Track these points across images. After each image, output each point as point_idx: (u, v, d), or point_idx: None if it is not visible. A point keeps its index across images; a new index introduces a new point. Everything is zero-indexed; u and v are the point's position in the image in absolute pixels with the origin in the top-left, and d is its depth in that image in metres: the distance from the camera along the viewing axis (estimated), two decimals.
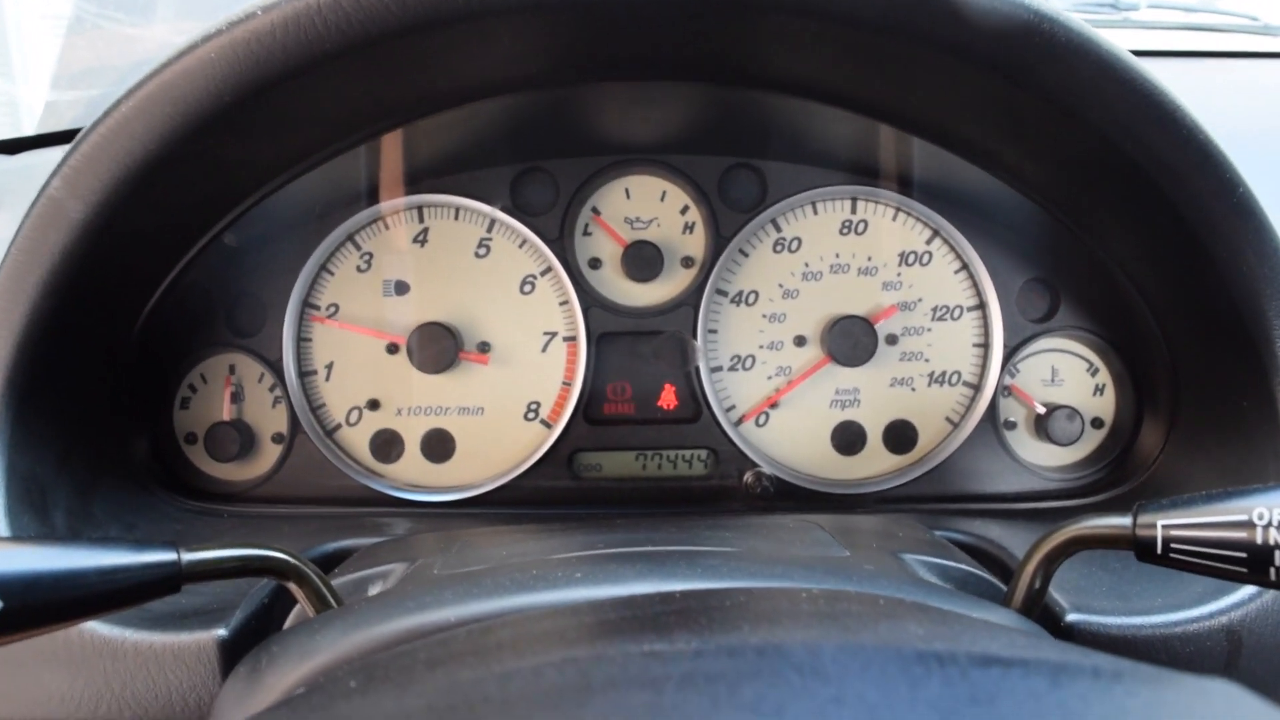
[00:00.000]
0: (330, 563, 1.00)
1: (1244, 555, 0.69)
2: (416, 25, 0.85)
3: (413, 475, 1.25)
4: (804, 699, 0.45)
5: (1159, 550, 0.72)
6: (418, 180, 1.23)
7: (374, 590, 0.87)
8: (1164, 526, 0.72)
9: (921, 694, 0.46)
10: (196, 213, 1.05)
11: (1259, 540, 0.68)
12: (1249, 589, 0.90)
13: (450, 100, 1.01)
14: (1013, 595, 0.79)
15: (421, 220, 1.24)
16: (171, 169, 0.93)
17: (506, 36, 0.92)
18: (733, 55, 0.96)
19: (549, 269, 1.23)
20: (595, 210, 1.24)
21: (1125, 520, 0.73)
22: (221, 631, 0.85)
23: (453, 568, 0.84)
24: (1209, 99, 1.40)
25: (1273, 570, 0.68)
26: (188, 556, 0.75)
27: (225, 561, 0.78)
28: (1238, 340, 1.00)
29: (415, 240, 1.24)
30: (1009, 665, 0.52)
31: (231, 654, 0.83)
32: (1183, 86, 1.24)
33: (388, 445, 1.25)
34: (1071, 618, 0.88)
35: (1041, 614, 0.91)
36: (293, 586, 0.79)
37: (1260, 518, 0.68)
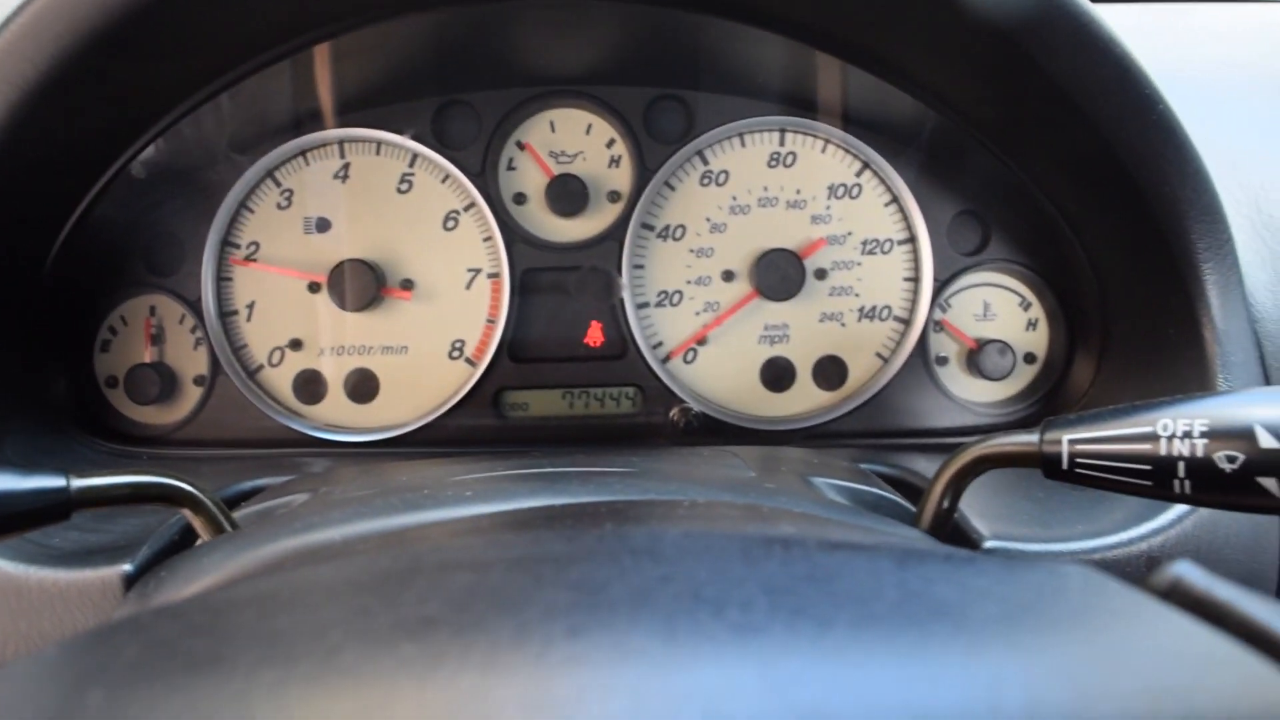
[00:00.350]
0: (246, 499, 0.99)
1: (1148, 468, 0.67)
2: None
3: (336, 416, 1.23)
4: (630, 577, 0.44)
5: (1065, 465, 0.71)
6: (338, 114, 1.20)
7: None
8: (1069, 441, 0.71)
9: (755, 572, 0.45)
10: (99, 141, 1.02)
11: (1162, 452, 0.66)
12: (1168, 515, 0.90)
13: (364, 11, 0.98)
14: (921, 515, 0.78)
15: (342, 156, 1.22)
16: (67, 92, 0.90)
17: None
18: None
19: (472, 204, 1.21)
20: (520, 144, 1.22)
21: (1033, 437, 0.72)
22: (127, 566, 0.84)
23: (350, 493, 0.82)
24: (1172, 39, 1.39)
25: (1176, 483, 0.66)
26: (77, 483, 0.74)
27: (117, 488, 0.76)
28: (1163, 266, 0.99)
29: (336, 176, 1.22)
30: (858, 549, 0.51)
31: None
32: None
33: (311, 386, 1.23)
34: (989, 544, 0.87)
35: (960, 541, 0.90)
36: (188, 514, 0.78)
37: (1164, 429, 0.67)
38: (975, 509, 0.93)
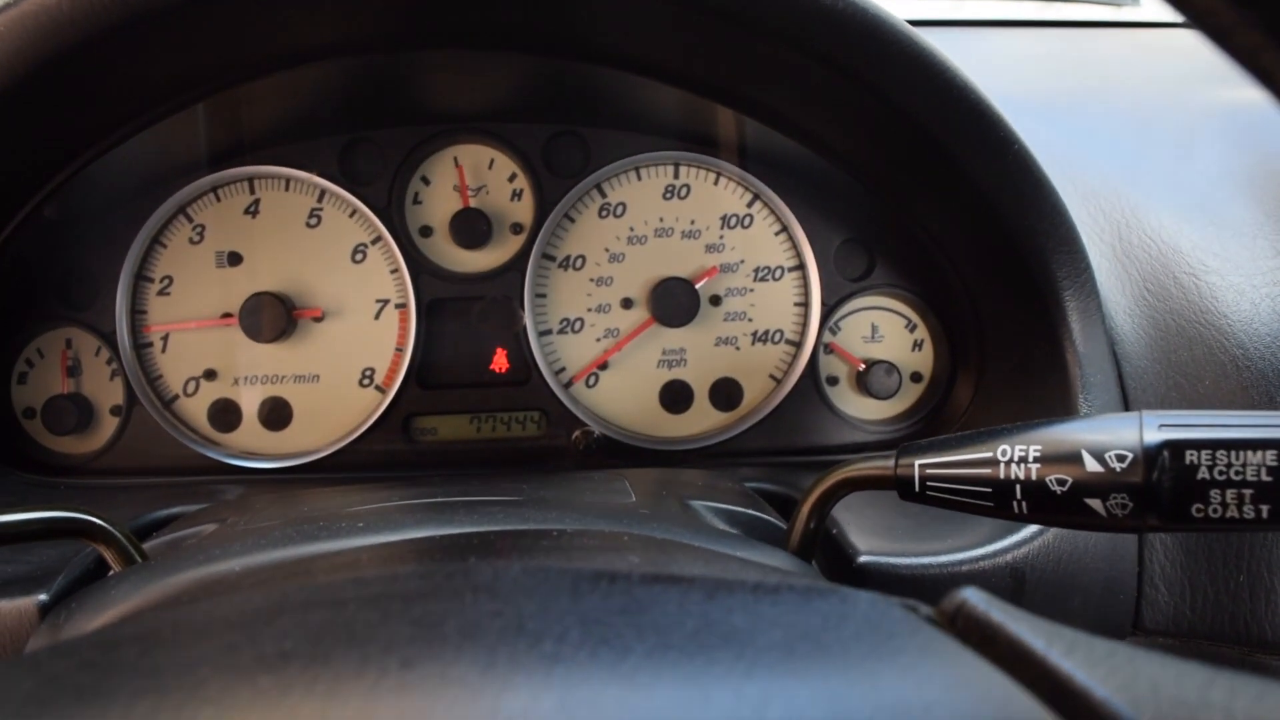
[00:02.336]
0: (160, 528, 1.02)
1: (989, 490, 0.74)
2: None
3: (251, 443, 1.27)
4: (466, 613, 0.49)
5: (917, 488, 0.77)
6: (248, 151, 1.24)
7: None
8: (920, 465, 0.77)
9: (577, 606, 0.50)
10: (9, 185, 1.05)
11: (1001, 475, 0.73)
12: (1030, 529, 0.96)
13: (270, 66, 1.02)
14: (789, 537, 0.83)
15: (253, 191, 1.25)
16: None
17: (331, 2, 0.94)
18: (558, 28, 0.99)
19: (379, 238, 1.25)
20: (425, 179, 1.27)
21: (889, 461, 0.78)
22: (43, 596, 0.87)
23: (252, 524, 0.86)
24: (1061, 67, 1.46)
25: (1014, 503, 0.73)
26: None
27: (29, 524, 0.79)
28: (1028, 294, 1.06)
29: (247, 211, 1.25)
30: (674, 582, 0.56)
31: None
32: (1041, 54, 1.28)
33: (225, 414, 1.27)
34: (863, 559, 0.93)
35: (837, 557, 0.96)
36: (100, 547, 0.81)
37: (1003, 454, 0.73)
38: (854, 525, 1.00)
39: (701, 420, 1.29)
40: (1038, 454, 0.72)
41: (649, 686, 0.41)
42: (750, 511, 0.93)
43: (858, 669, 0.44)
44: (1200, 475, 0.69)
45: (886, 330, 1.30)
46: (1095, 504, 0.71)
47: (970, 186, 1.02)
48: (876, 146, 1.08)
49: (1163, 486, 0.69)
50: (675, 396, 1.28)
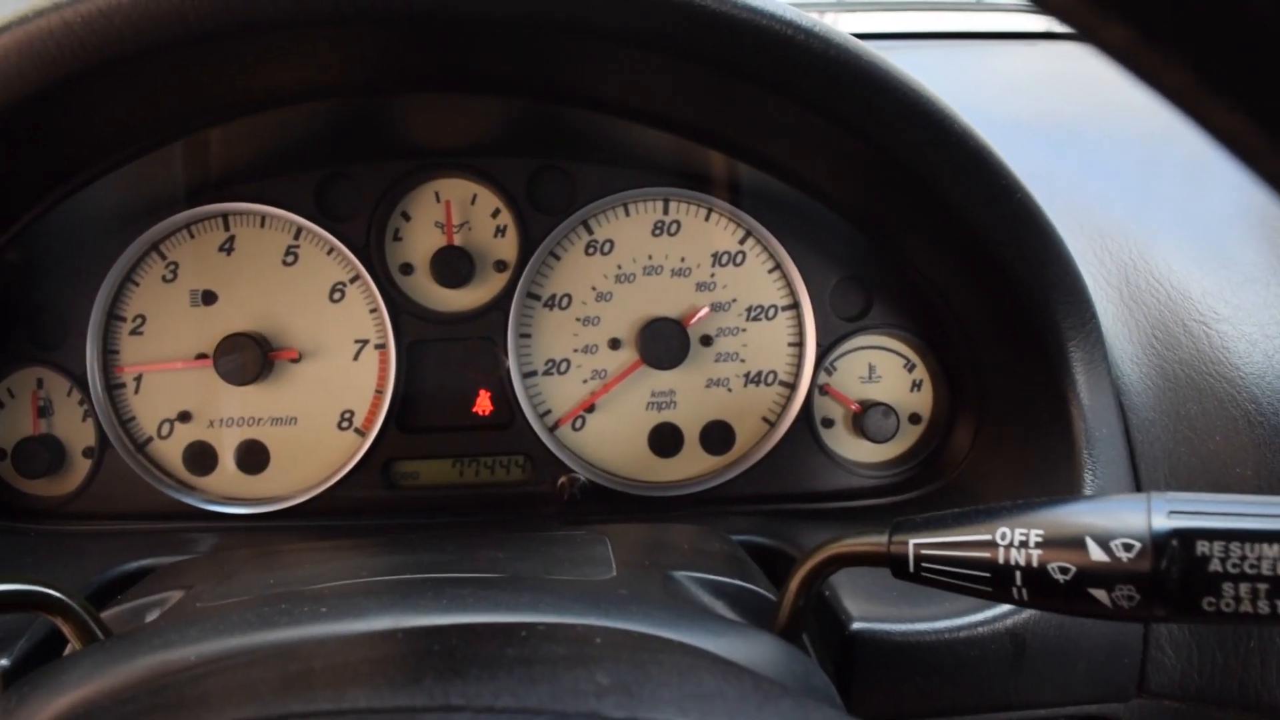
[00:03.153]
0: (131, 582, 0.99)
1: (988, 574, 0.69)
2: (214, 32, 0.82)
3: (227, 488, 1.23)
4: None
5: (911, 568, 0.73)
6: (222, 187, 1.20)
7: (148, 618, 0.87)
8: (915, 545, 0.73)
9: None
10: None
11: (1000, 560, 0.68)
12: None
13: (244, 108, 0.98)
14: (777, 617, 0.79)
15: (227, 228, 1.21)
16: None
17: (308, 47, 0.90)
18: (542, 76, 0.95)
19: (358, 276, 1.21)
20: (405, 215, 1.22)
21: (882, 538, 0.74)
22: (4, 661, 0.84)
23: (215, 599, 0.83)
24: (986, 84, 1.41)
25: (1014, 590, 0.69)
26: None
27: None
28: (1030, 341, 1.01)
29: (221, 249, 1.21)
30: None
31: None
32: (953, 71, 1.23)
33: (201, 458, 1.23)
34: (856, 626, 0.89)
35: (828, 622, 0.92)
36: (59, 621, 0.78)
37: (1003, 538, 0.69)
38: (847, 588, 0.96)
39: (692, 464, 1.25)
40: (1039, 539, 0.68)
41: None
42: (738, 583, 0.89)
43: None
44: (1212, 567, 0.64)
45: (884, 370, 1.25)
46: (1100, 594, 0.66)
47: (970, 234, 0.98)
48: (870, 191, 1.03)
49: (1171, 578, 0.64)
50: (665, 440, 1.24)
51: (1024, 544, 0.68)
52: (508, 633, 0.68)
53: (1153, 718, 1.00)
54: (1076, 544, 0.66)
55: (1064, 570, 0.67)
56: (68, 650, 0.84)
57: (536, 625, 0.70)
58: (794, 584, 0.78)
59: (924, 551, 0.72)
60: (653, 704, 0.57)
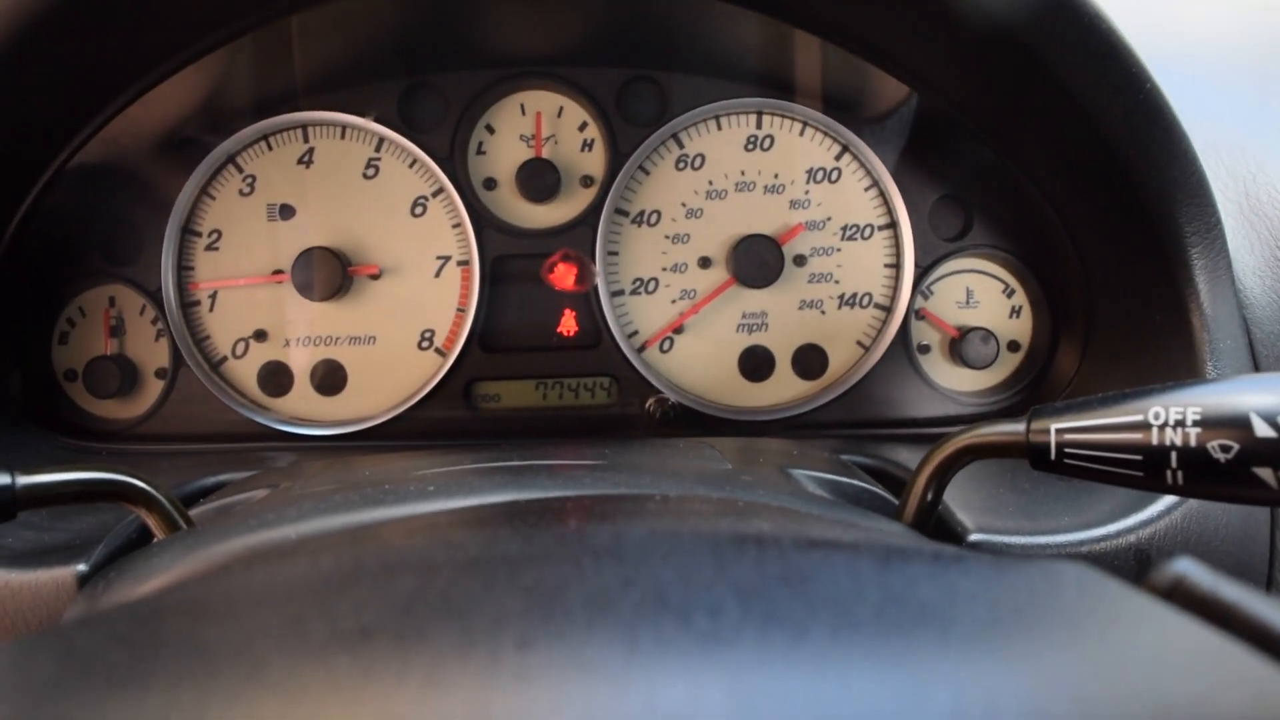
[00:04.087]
0: (207, 495, 0.95)
1: (1139, 458, 0.64)
2: None
3: (303, 408, 1.20)
4: (589, 580, 0.41)
5: (1053, 456, 0.68)
6: (301, 97, 1.16)
7: None
8: (1057, 430, 0.68)
9: (726, 574, 0.42)
10: (47, 126, 0.98)
11: (1154, 441, 0.63)
12: (1157, 507, 0.87)
13: None
14: (904, 509, 0.75)
15: (306, 140, 1.18)
16: (10, 74, 0.86)
17: None
18: None
19: (441, 190, 1.17)
20: (489, 127, 1.18)
21: (1019, 426, 0.69)
22: (82, 566, 0.81)
23: (309, 488, 0.79)
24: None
25: (1169, 473, 0.64)
26: (23, 480, 0.71)
27: (65, 485, 0.73)
28: (1150, 251, 0.96)
29: (300, 161, 1.18)
30: (837, 547, 0.48)
31: None
32: None
33: (276, 378, 1.19)
34: (974, 537, 0.84)
35: (944, 535, 0.88)
36: (142, 511, 0.75)
37: (1156, 417, 0.64)
38: (959, 501, 0.91)
39: (784, 389, 1.20)
40: (1197, 416, 0.62)
41: (843, 677, 0.33)
42: (856, 482, 0.84)
43: (1094, 652, 0.36)
44: None
45: (982, 295, 1.20)
46: (1266, 474, 0.60)
47: (1092, 130, 0.92)
48: (988, 83, 0.98)
49: None
50: (756, 364, 1.19)
51: (1180, 423, 0.63)
52: (641, 498, 0.64)
53: None
54: (1239, 421, 0.60)
55: (1225, 449, 0.61)
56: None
57: (670, 495, 0.65)
58: (923, 477, 0.73)
59: (1067, 437, 0.67)
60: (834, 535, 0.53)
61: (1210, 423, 0.62)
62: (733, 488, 0.70)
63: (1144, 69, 0.89)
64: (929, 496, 0.74)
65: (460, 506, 0.65)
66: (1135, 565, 0.89)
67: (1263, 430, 0.60)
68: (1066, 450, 0.68)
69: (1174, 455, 0.63)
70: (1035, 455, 0.69)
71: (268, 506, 0.73)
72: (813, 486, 0.82)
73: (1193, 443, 0.62)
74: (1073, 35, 0.87)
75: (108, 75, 0.96)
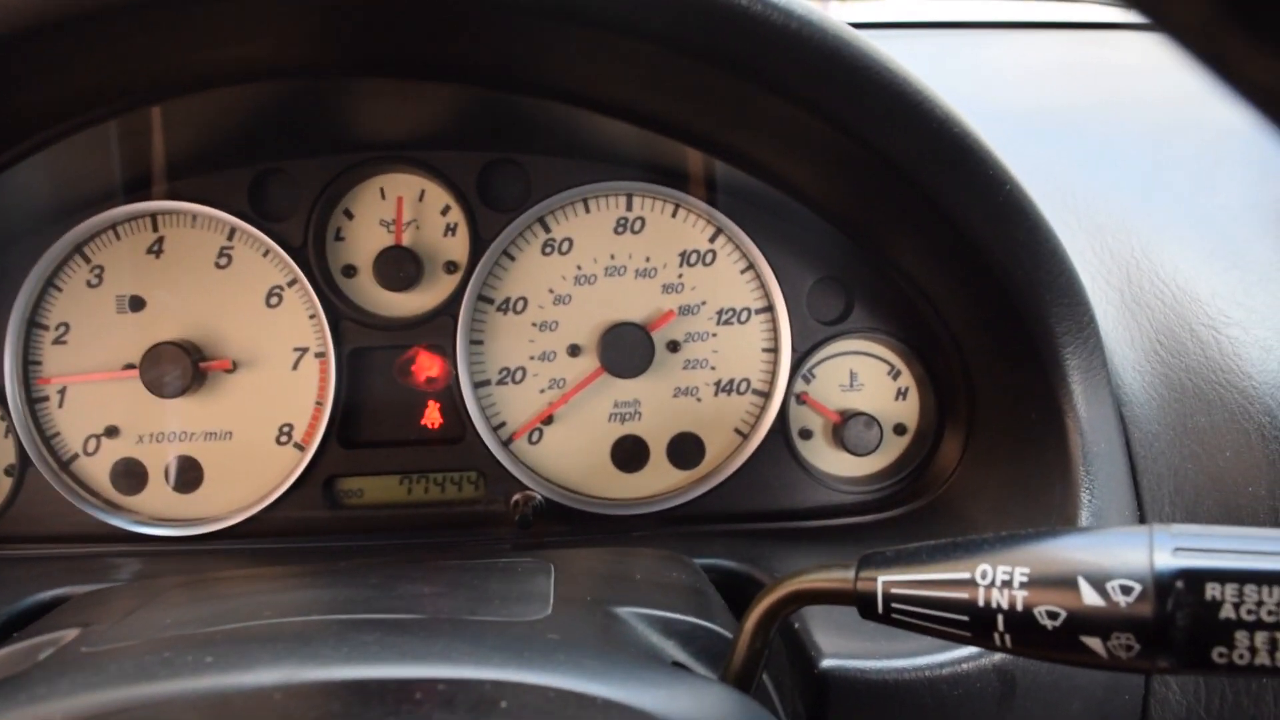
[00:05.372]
0: (48, 611, 0.91)
1: (966, 618, 0.61)
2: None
3: (159, 508, 1.15)
4: None
5: (880, 609, 0.64)
6: (149, 185, 1.11)
7: (41, 657, 0.79)
8: (885, 583, 0.64)
9: None
10: None
11: (980, 602, 0.60)
12: None
13: (184, 86, 0.89)
14: (730, 663, 0.70)
15: (156, 229, 1.13)
16: None
17: (253, 19, 0.81)
18: (505, 61, 0.86)
19: (296, 280, 1.12)
20: (348, 213, 1.13)
21: (848, 574, 0.65)
22: None
23: (104, 642, 0.75)
24: (985, 74, 1.32)
25: (996, 635, 0.60)
26: None
27: None
28: (1023, 348, 0.92)
29: (149, 251, 1.13)
30: None
31: None
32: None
33: (130, 475, 1.14)
34: (827, 664, 0.80)
35: (796, 658, 0.83)
36: None
37: (984, 576, 0.60)
38: (820, 620, 0.87)
39: (658, 480, 1.15)
40: (1024, 578, 0.59)
41: None
42: (692, 620, 0.79)
43: None
44: (1224, 614, 0.55)
45: (867, 378, 1.16)
46: (1094, 643, 0.57)
47: (957, 232, 0.88)
48: (851, 187, 0.94)
49: (1177, 625, 0.55)
50: (629, 454, 1.15)
51: (1007, 583, 0.59)
52: (401, 694, 0.60)
53: None
54: (1067, 584, 0.57)
55: (1053, 615, 0.58)
56: None
57: (437, 684, 0.61)
58: (749, 624, 0.69)
59: (894, 590, 0.64)
60: None
61: (1037, 584, 0.58)
62: (526, 657, 0.66)
63: (1003, 169, 0.86)
64: (757, 645, 0.70)
65: (220, 690, 0.61)
66: (999, 686, 0.85)
67: (1090, 597, 0.57)
68: (894, 604, 0.64)
69: (1001, 618, 0.59)
70: (863, 605, 0.65)
71: (51, 669, 0.69)
72: (641, 629, 0.77)
73: (1019, 606, 0.59)
74: (927, 143, 0.83)
75: None
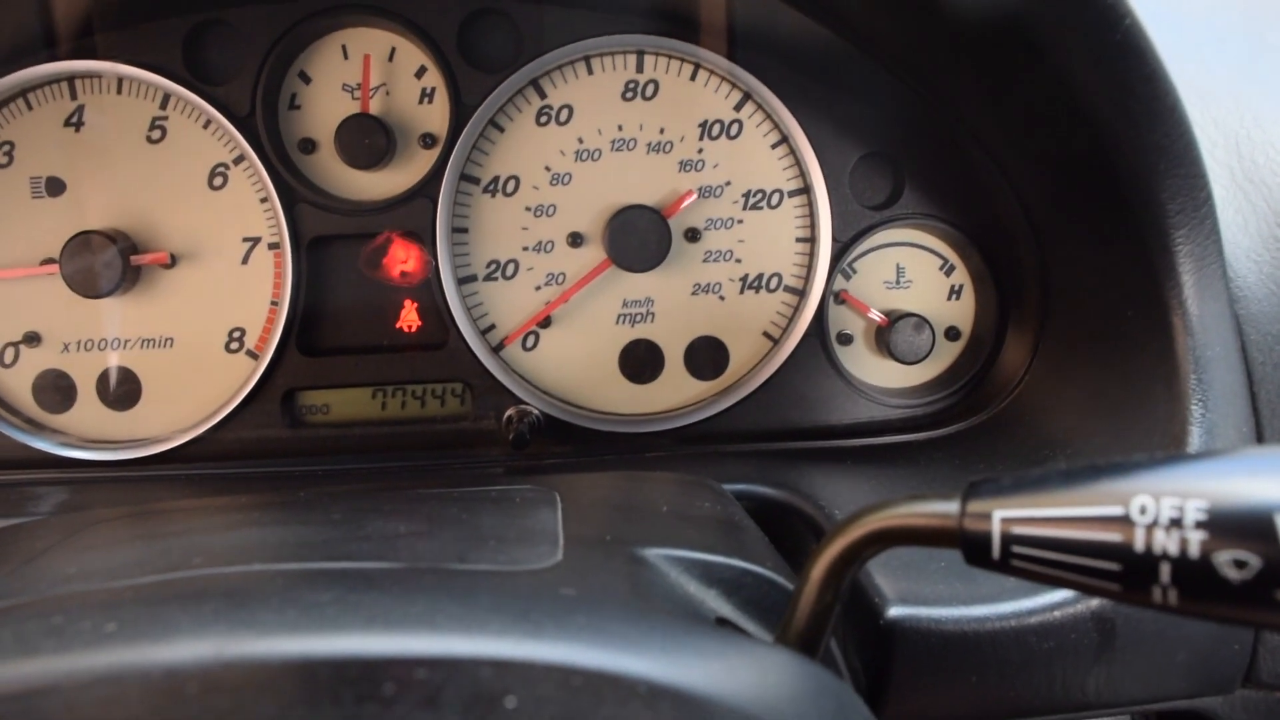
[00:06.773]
0: None
1: (1117, 567, 0.45)
2: None
3: (90, 426, 0.99)
4: None
5: (996, 554, 0.49)
6: (64, 43, 0.93)
7: None
8: (1003, 520, 0.49)
9: None
10: None
11: (1139, 546, 0.45)
12: None
13: None
14: (789, 620, 0.55)
15: (74, 97, 0.95)
16: None
17: None
18: None
19: (243, 156, 0.95)
20: (304, 75, 0.96)
21: (950, 507, 0.50)
22: None
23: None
24: None
25: (1156, 589, 0.45)
26: None
27: None
28: (1123, 230, 0.79)
29: (68, 123, 0.95)
30: None
31: None
32: None
33: (56, 390, 0.99)
34: (894, 612, 0.69)
35: (857, 607, 0.71)
36: None
37: (1142, 512, 0.45)
38: (880, 558, 0.72)
39: (675, 392, 1.01)
40: (1201, 516, 0.43)
41: None
42: (738, 564, 0.64)
43: None
44: None
45: (915, 273, 1.02)
46: None
47: (1056, 77, 0.74)
48: (920, 19, 0.77)
49: None
50: (640, 361, 1.01)
51: (1176, 522, 0.44)
52: (365, 683, 0.44)
53: (1253, 712, 0.81)
54: (1260, 525, 0.42)
55: (1239, 564, 0.43)
56: None
57: (415, 668, 0.45)
58: (817, 572, 0.53)
59: (1016, 530, 0.48)
60: None
61: (1220, 526, 0.43)
62: (536, 622, 0.50)
63: (1123, 1, 0.69)
64: (827, 599, 0.54)
65: (119, 670, 0.46)
66: (1097, 637, 0.72)
67: None
68: (1014, 547, 0.48)
69: (1165, 568, 0.44)
70: (972, 549, 0.50)
71: None
72: (676, 575, 0.62)
73: (1194, 553, 0.44)
74: None
75: None
